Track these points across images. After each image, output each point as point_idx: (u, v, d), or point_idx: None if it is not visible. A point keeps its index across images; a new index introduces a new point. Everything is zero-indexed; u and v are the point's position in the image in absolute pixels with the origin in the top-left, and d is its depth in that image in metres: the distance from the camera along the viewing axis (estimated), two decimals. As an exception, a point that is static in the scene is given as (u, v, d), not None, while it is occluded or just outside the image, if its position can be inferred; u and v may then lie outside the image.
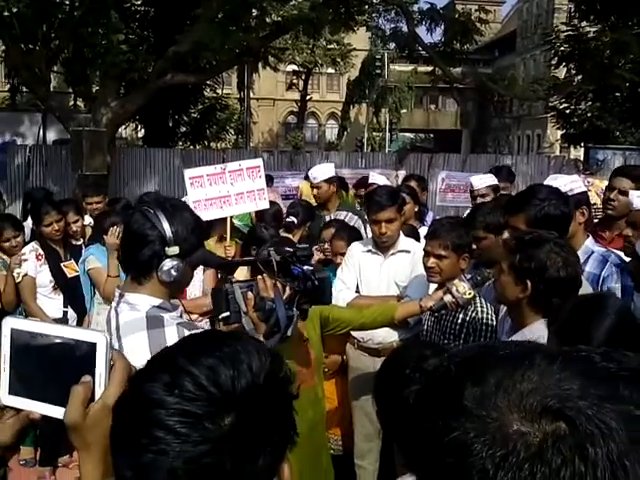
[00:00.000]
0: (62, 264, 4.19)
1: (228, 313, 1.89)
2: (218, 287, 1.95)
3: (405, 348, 1.87)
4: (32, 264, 4.08)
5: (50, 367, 0.86)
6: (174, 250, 1.72)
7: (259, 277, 1.87)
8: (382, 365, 1.76)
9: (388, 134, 35.33)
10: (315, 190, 4.94)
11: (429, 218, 5.08)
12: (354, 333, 3.25)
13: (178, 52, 9.76)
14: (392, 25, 13.61)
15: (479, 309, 2.69)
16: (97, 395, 0.83)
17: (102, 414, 0.81)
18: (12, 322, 0.89)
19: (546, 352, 0.66)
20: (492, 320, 2.64)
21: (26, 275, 4.03)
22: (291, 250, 1.98)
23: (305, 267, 1.94)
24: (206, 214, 3.87)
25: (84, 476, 0.83)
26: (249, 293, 1.86)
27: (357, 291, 3.42)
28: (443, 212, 11.47)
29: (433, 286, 2.95)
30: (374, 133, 36.07)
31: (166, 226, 1.72)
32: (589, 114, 16.37)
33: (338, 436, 3.95)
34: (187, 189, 3.91)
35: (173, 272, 1.73)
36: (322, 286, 1.96)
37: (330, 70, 38.62)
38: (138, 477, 0.70)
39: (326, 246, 3.81)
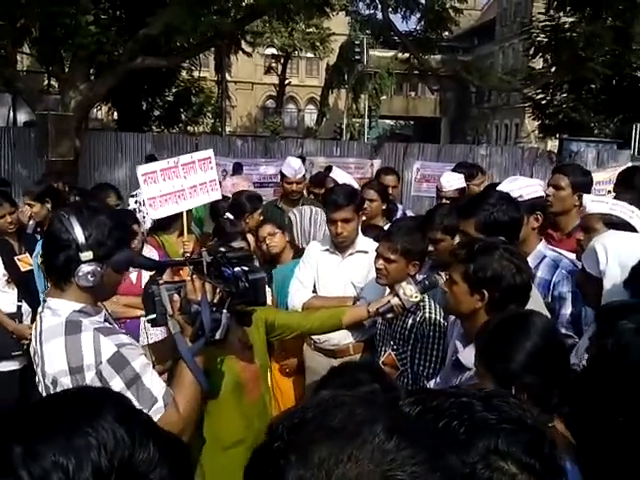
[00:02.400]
0: (16, 257, 4.08)
1: (154, 315, 1.86)
2: (145, 288, 1.90)
3: (343, 369, 1.81)
4: (-17, 257, 3.97)
5: None
6: (87, 255, 1.72)
7: (188, 278, 1.83)
8: (316, 385, 1.71)
9: (367, 120, 35.19)
10: (295, 185, 4.89)
11: (399, 215, 4.99)
12: (310, 334, 3.21)
13: (149, 35, 9.56)
14: (369, 11, 13.50)
15: (427, 314, 2.65)
16: None
17: None
18: None
19: (389, 420, 0.60)
20: (441, 324, 2.61)
21: None
22: (223, 251, 1.93)
23: (237, 268, 1.88)
24: (162, 210, 3.80)
25: None
26: (175, 295, 1.82)
27: (314, 291, 3.37)
28: (418, 202, 11.48)
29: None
30: (353, 119, 35.89)
31: (78, 231, 1.72)
32: (564, 105, 16.45)
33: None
34: (140, 186, 3.81)
35: (90, 277, 1.73)
36: (255, 287, 1.90)
37: (309, 54, 38.28)
38: None
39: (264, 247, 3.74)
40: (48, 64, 12.26)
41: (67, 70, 10.64)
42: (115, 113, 16.28)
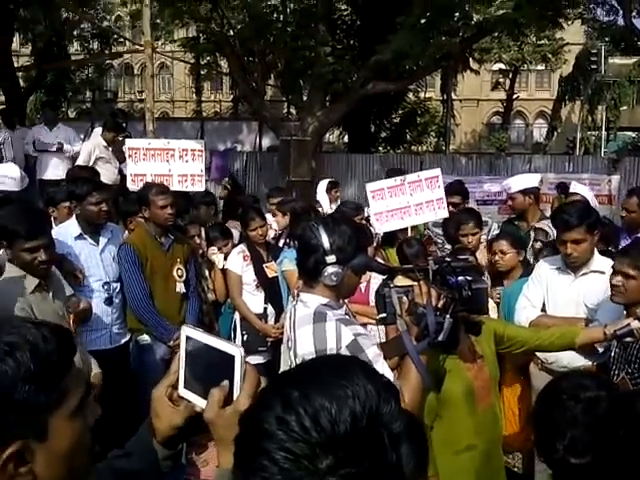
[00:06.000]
0: (264, 265, 4.64)
1: (385, 314, 2.09)
2: (378, 291, 2.14)
3: (566, 376, 1.83)
4: (240, 263, 4.59)
5: (206, 369, 1.05)
6: (331, 258, 2.03)
7: (415, 284, 2.01)
8: (542, 390, 1.75)
9: (604, 133, 32.45)
10: (510, 200, 4.85)
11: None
12: (538, 353, 3.17)
13: (380, 61, 10.05)
14: (608, 18, 12.55)
15: (669, 339, 2.46)
16: (234, 399, 1.00)
17: (233, 418, 0.95)
18: (187, 331, 1.08)
19: None
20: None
21: (225, 265, 4.57)
22: (448, 260, 2.09)
23: (460, 277, 2.02)
24: (388, 225, 4.05)
25: (221, 464, 1.00)
26: (404, 298, 2.02)
27: (543, 310, 3.31)
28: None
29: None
30: (588, 132, 33.34)
31: (325, 238, 2.04)
32: None
33: (520, 455, 3.85)
34: (369, 202, 4.10)
35: (333, 277, 2.04)
36: (477, 296, 2.03)
37: (540, 67, 36.59)
38: None
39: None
40: (289, 93, 13.60)
41: (305, 98, 11.68)
42: (345, 136, 17.29)
